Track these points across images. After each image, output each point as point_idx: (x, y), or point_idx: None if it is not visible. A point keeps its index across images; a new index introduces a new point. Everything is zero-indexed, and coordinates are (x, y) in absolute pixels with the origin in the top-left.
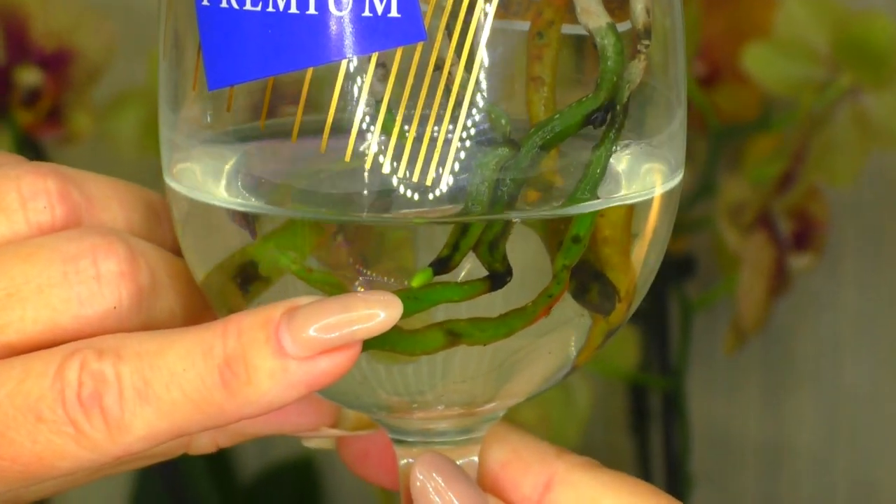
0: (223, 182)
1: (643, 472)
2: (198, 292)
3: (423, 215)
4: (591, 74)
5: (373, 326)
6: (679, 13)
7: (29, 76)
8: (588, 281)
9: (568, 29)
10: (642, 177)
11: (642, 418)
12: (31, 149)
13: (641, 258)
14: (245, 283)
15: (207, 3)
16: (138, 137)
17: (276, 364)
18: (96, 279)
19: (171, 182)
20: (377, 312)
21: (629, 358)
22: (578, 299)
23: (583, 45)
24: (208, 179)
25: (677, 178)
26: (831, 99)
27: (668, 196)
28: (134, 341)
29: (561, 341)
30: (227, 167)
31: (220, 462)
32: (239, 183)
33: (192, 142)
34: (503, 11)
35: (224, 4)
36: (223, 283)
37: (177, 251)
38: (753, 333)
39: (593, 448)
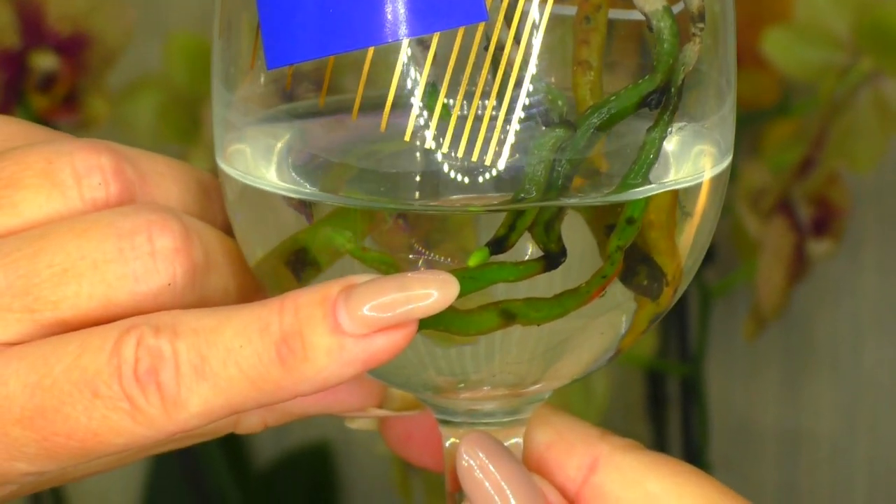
0: (276, 163)
1: None
2: (251, 272)
3: (474, 202)
4: (635, 60)
5: (429, 305)
6: (730, 1)
7: (44, 61)
8: (636, 264)
9: (615, 14)
10: (692, 160)
11: (660, 405)
12: None
13: (689, 242)
14: (299, 267)
15: None
16: (155, 124)
17: (333, 341)
18: (151, 255)
19: (223, 165)
20: (433, 292)
21: (647, 344)
22: (626, 283)
23: (630, 31)
24: (261, 161)
25: (726, 162)
26: (852, 84)
27: (717, 180)
28: (191, 317)
29: (611, 323)
30: (282, 146)
31: (235, 448)
32: (290, 163)
33: (248, 121)
34: None
35: None
36: (276, 268)
37: (228, 231)
38: (773, 320)
39: None
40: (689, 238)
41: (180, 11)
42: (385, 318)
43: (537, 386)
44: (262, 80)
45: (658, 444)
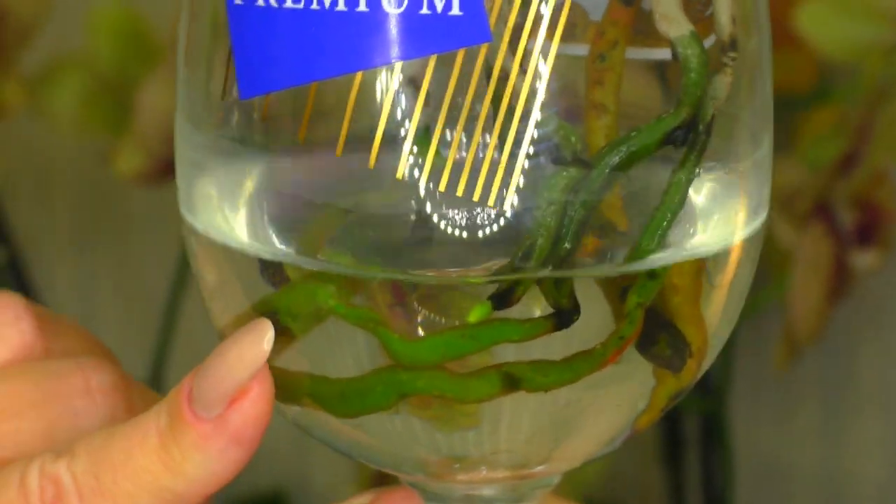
0: (247, 213)
1: None
2: None
3: (474, 257)
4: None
5: (246, 365)
6: (767, 35)
7: None
8: (656, 332)
9: (633, 53)
10: (721, 215)
11: (677, 447)
12: None
13: (718, 310)
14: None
15: (241, 2)
16: (77, 111)
17: (196, 433)
18: (88, 393)
19: (190, 218)
20: (245, 348)
21: None
22: (645, 353)
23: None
24: (231, 210)
25: (761, 219)
26: None
27: (749, 242)
28: (87, 437)
29: (627, 396)
30: (255, 192)
31: None
32: (264, 212)
33: (217, 162)
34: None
35: (260, 3)
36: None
37: None
38: (809, 345)
39: (620, 482)
40: (719, 305)
41: None
42: (223, 392)
43: (543, 467)
44: (235, 114)
45: (674, 491)
